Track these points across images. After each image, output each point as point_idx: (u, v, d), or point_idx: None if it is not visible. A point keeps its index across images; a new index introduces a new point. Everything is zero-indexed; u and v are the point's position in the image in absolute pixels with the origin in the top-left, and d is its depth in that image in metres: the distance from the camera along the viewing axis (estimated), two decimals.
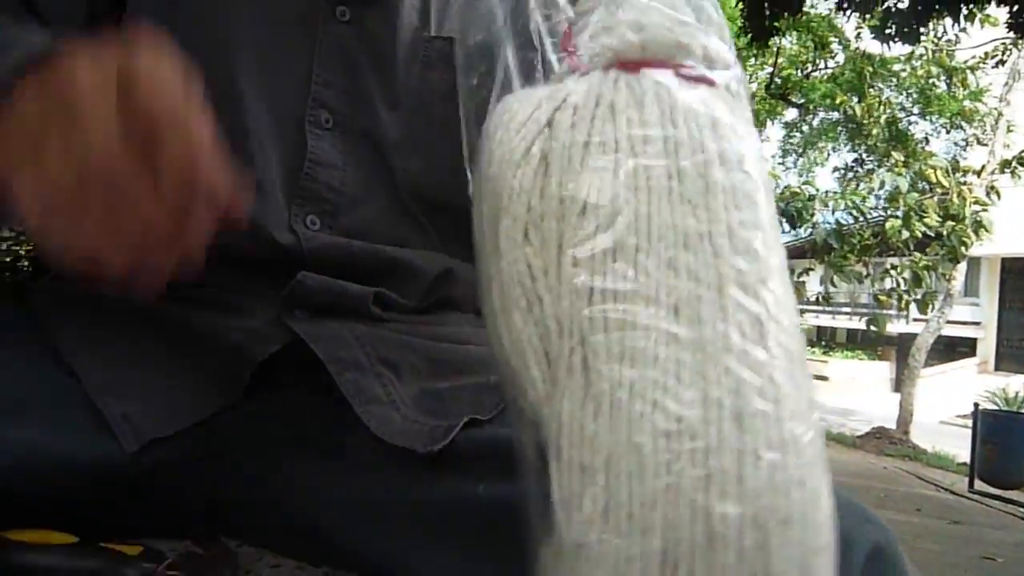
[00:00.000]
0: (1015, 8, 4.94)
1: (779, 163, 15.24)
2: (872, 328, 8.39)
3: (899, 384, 12.87)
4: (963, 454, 7.55)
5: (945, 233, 7.74)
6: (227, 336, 0.61)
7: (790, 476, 0.37)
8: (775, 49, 9.41)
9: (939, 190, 8.01)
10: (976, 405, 6.89)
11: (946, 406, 13.72)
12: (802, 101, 12.01)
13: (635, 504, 0.37)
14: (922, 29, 5.43)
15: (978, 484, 6.42)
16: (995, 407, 7.38)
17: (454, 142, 0.70)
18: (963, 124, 12.58)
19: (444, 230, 0.72)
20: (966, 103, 12.07)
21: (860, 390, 16.97)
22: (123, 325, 0.63)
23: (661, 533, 0.36)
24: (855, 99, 10.74)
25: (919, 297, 8.17)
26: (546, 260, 0.42)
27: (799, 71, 11.75)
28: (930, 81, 11.98)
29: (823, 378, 16.90)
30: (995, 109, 11.60)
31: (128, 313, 0.64)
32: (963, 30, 5.64)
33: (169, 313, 0.63)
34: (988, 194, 8.26)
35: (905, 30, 5.37)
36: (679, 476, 0.36)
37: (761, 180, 0.44)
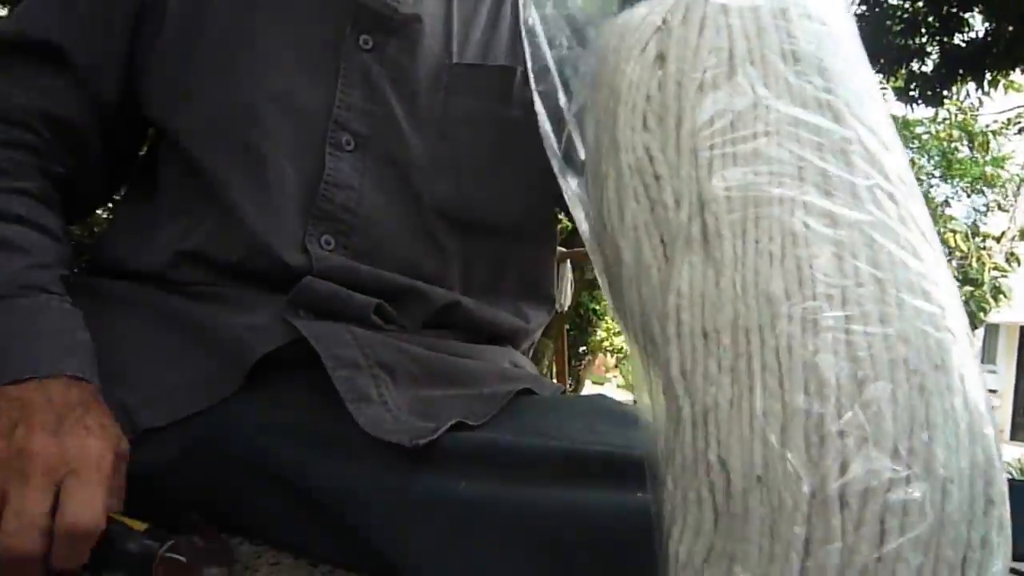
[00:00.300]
0: None
1: None
2: None
3: None
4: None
5: (964, 298, 7.73)
6: (230, 331, 0.62)
7: (939, 324, 0.35)
8: None
9: (958, 254, 7.99)
10: None
11: None
12: None
13: (768, 354, 0.34)
14: (945, 93, 5.46)
15: None
16: (1010, 476, 7.25)
17: (479, 165, 0.74)
18: (984, 189, 12.60)
19: (463, 251, 0.73)
20: (988, 168, 12.10)
21: None
22: (128, 316, 0.65)
23: (803, 381, 0.33)
24: None
25: None
26: (664, 140, 0.42)
27: None
28: (952, 145, 12.03)
29: None
30: (1017, 176, 11.60)
31: (133, 304, 0.66)
32: (986, 94, 5.67)
33: (174, 306, 0.65)
34: (1008, 260, 8.23)
35: (929, 93, 5.40)
36: (816, 317, 0.34)
37: (860, 46, 0.45)
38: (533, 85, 0.54)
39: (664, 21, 0.45)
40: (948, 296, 0.37)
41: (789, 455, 0.32)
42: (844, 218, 0.37)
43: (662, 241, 0.41)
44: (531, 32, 0.54)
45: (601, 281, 0.48)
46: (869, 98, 0.42)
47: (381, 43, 0.71)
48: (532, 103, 0.75)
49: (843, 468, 0.32)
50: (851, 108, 0.41)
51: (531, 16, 0.54)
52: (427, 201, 0.71)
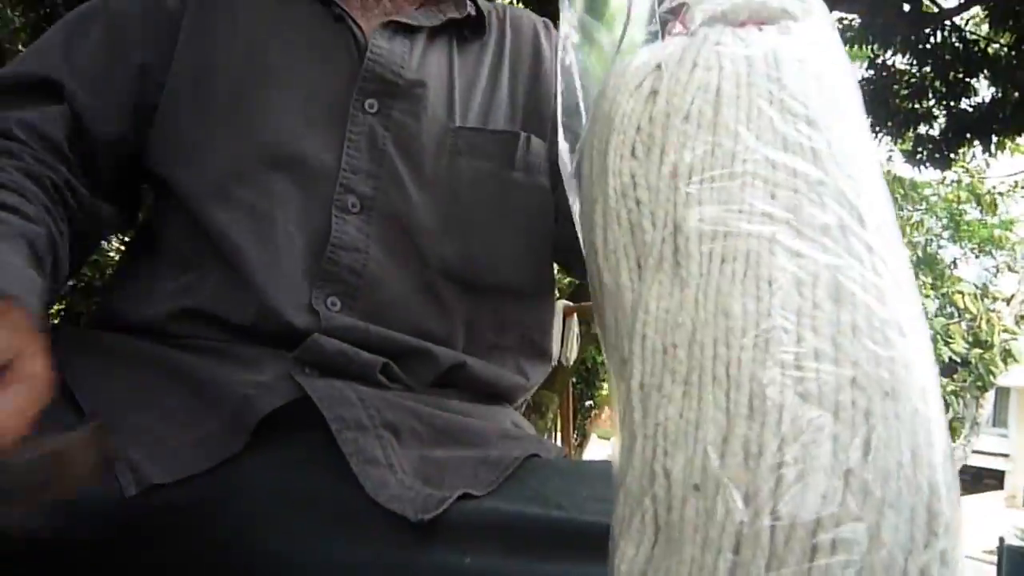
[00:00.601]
0: None
1: None
2: None
3: None
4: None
5: (973, 360, 7.66)
6: (236, 388, 0.61)
7: (894, 354, 0.35)
8: None
9: (967, 316, 7.95)
10: (1001, 540, 6.66)
11: (971, 539, 13.29)
12: None
13: (719, 368, 0.35)
14: (953, 156, 5.51)
15: None
16: (1022, 544, 7.13)
17: (484, 227, 0.75)
18: (993, 251, 12.59)
19: (467, 311, 0.74)
20: (996, 231, 12.11)
21: None
22: (134, 372, 0.65)
23: (749, 397, 0.34)
24: None
25: None
26: (647, 168, 0.44)
27: None
28: (960, 207, 12.07)
29: None
30: None
31: (140, 360, 0.66)
32: (993, 156, 5.72)
33: (179, 361, 0.65)
34: (1018, 323, 8.19)
35: (936, 156, 5.45)
36: (768, 338, 0.35)
37: (857, 100, 0.47)
38: (560, 116, 0.56)
39: (662, 62, 0.48)
40: (913, 345, 0.37)
41: (726, 466, 0.33)
42: (811, 258, 0.38)
43: (638, 264, 0.42)
44: (567, 71, 0.57)
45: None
46: (855, 148, 0.43)
47: (387, 107, 0.72)
48: (535, 168, 0.78)
49: (778, 483, 0.32)
50: (834, 156, 0.42)
51: (569, 58, 0.57)
52: (432, 262, 0.72)
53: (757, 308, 0.36)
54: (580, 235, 0.50)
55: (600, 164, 0.47)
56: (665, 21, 0.54)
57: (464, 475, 0.58)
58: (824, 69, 0.47)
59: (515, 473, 0.59)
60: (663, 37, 0.54)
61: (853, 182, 0.41)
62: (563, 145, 0.57)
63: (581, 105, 0.57)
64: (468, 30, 0.80)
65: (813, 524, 0.31)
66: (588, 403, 7.52)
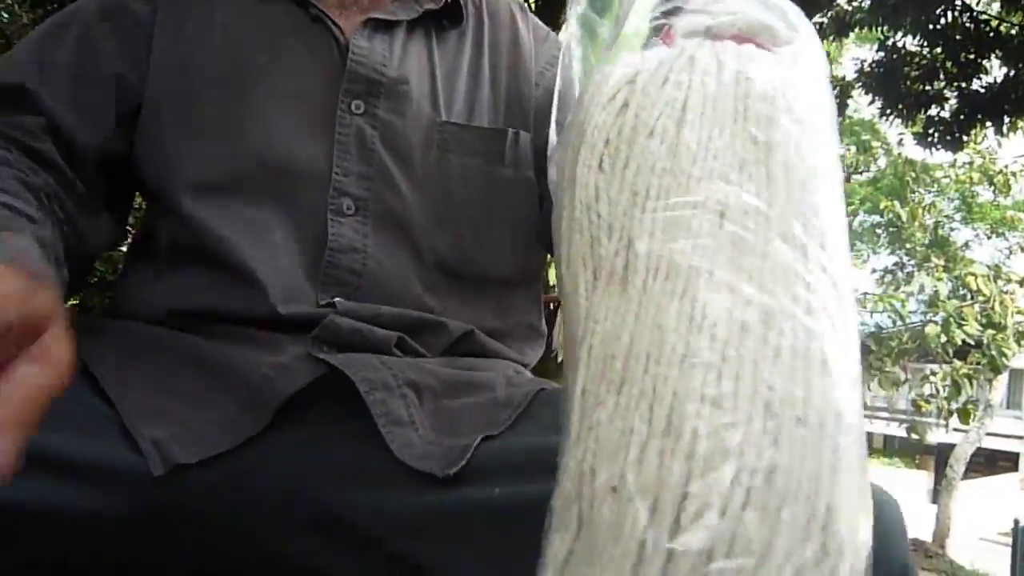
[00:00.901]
0: None
1: None
2: (913, 436, 8.19)
3: (936, 495, 12.48)
4: (1003, 573, 7.25)
5: (986, 342, 7.61)
6: (257, 370, 0.62)
7: (812, 381, 0.36)
8: None
9: (980, 298, 7.89)
10: (1016, 522, 6.64)
11: (986, 521, 13.24)
12: None
13: (647, 381, 0.37)
14: (964, 137, 5.47)
15: None
16: None
17: (476, 221, 0.76)
18: (1006, 232, 12.50)
19: (466, 301, 0.75)
20: (1009, 212, 12.03)
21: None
22: (157, 357, 0.65)
23: (668, 407, 0.35)
24: (897, 204, 10.76)
25: (959, 406, 7.99)
26: (611, 181, 0.45)
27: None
28: (972, 188, 11.99)
29: None
30: None
31: (162, 346, 0.67)
32: (1005, 136, 5.67)
33: (202, 347, 0.66)
34: None
35: (948, 138, 5.41)
36: (695, 357, 0.36)
37: (830, 129, 0.47)
38: (555, 116, 0.57)
39: (636, 74, 0.48)
40: (836, 376, 0.38)
41: (639, 475, 0.34)
42: (745, 293, 0.39)
43: (594, 275, 0.44)
44: (567, 78, 0.58)
45: None
46: (814, 186, 0.43)
47: (373, 106, 0.73)
48: (522, 162, 0.79)
49: (682, 499, 0.34)
50: (789, 185, 0.42)
51: (570, 60, 0.58)
52: (428, 257, 0.73)
53: (688, 329, 0.37)
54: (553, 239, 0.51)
55: (570, 173, 0.48)
56: (659, 26, 0.53)
57: (479, 419, 0.61)
58: (798, 95, 0.46)
59: (527, 410, 0.63)
60: (659, 36, 0.53)
61: (803, 216, 0.42)
62: (553, 138, 0.57)
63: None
64: (446, 20, 0.80)
65: (709, 546, 0.33)
66: None
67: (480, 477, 0.55)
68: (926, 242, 10.88)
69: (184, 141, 0.71)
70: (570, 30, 0.58)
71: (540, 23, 0.89)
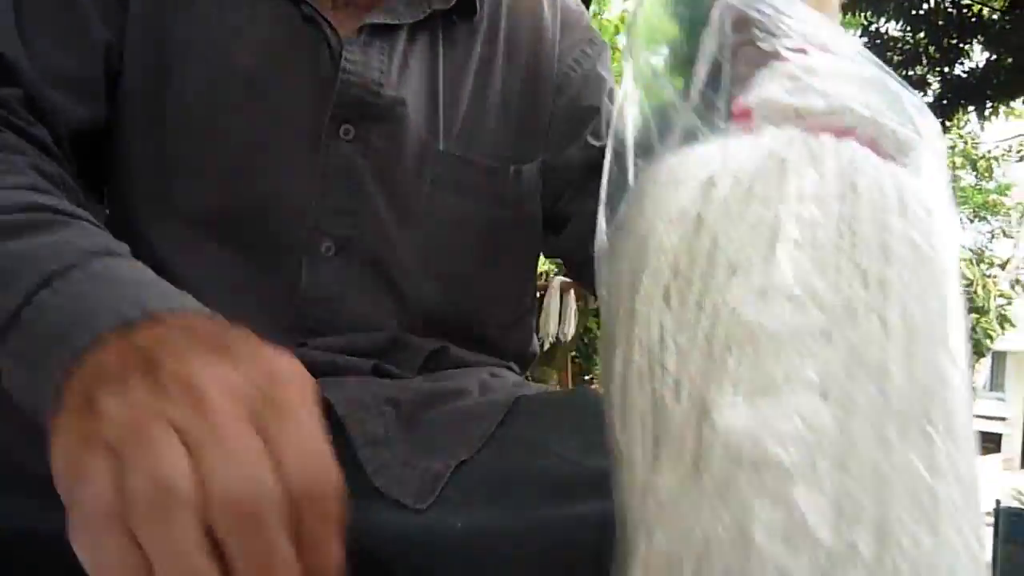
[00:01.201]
0: None
1: None
2: None
3: None
4: (985, 554, 7.31)
5: (969, 325, 7.68)
6: None
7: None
8: None
9: (963, 281, 7.96)
10: (998, 502, 6.72)
11: None
12: None
13: None
14: (947, 122, 5.50)
15: None
16: (1019, 506, 7.20)
17: (470, 269, 0.70)
18: (988, 216, 12.58)
19: (445, 341, 0.69)
20: (991, 196, 12.10)
21: None
22: None
23: None
24: None
25: None
26: (680, 322, 0.36)
27: None
28: (955, 172, 12.06)
29: None
30: (1021, 203, 11.60)
31: None
32: (987, 120, 5.71)
33: None
34: (1013, 287, 8.20)
35: None
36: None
37: (951, 265, 0.38)
38: (605, 189, 0.45)
39: (711, 178, 0.38)
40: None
41: None
42: (859, 503, 0.31)
43: (654, 439, 0.35)
44: (619, 139, 0.45)
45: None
46: (941, 337, 0.35)
47: (364, 131, 0.65)
48: (526, 197, 0.70)
49: None
50: (909, 335, 0.33)
51: (624, 121, 0.45)
52: (413, 306, 0.68)
53: (785, 546, 0.30)
54: (600, 349, 0.43)
55: (628, 302, 0.38)
56: (731, 46, 0.43)
57: (454, 435, 0.58)
58: (920, 217, 0.37)
59: (504, 421, 0.59)
60: (731, 59, 0.44)
61: (926, 392, 0.33)
62: (601, 224, 0.50)
63: (630, 175, 0.46)
64: (456, 15, 0.69)
65: None
66: (587, 377, 7.55)
67: (452, 505, 0.53)
68: None
69: (154, 166, 0.64)
70: (623, 91, 0.47)
71: (571, 3, 0.78)
